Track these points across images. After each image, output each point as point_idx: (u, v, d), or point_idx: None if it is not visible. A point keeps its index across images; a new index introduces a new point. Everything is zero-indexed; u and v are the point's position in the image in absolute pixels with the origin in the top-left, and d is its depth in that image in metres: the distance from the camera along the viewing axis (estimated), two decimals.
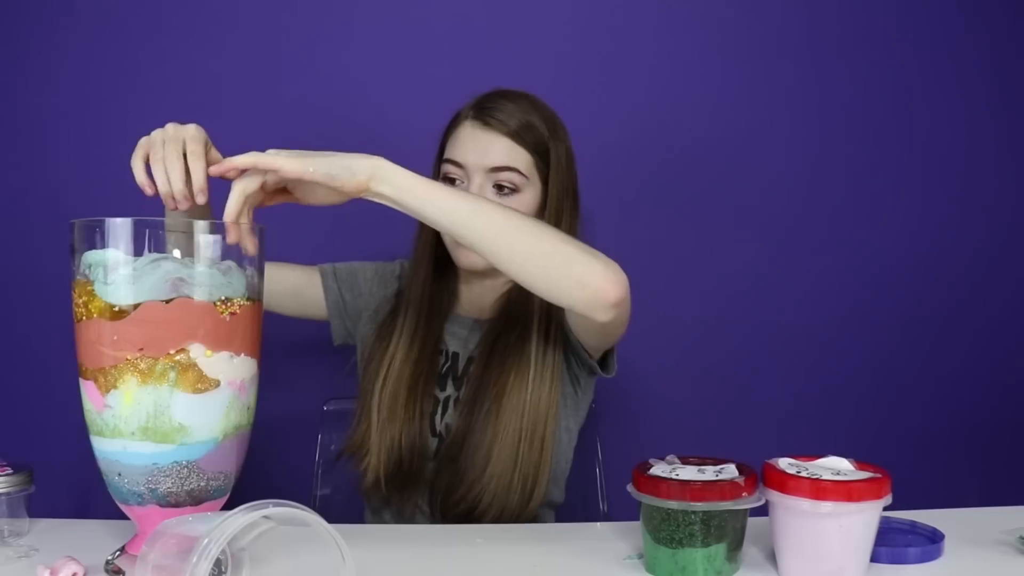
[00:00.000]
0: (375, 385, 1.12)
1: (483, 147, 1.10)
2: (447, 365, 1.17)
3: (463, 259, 1.13)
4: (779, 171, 1.60)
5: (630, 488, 0.83)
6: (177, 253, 0.76)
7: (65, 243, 0.78)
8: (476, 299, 1.21)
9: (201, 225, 0.77)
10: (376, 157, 0.85)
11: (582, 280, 0.89)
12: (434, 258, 1.18)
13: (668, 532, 0.80)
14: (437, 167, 1.18)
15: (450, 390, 1.15)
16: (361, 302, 1.25)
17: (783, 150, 1.60)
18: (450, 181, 1.13)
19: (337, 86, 1.51)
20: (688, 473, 0.82)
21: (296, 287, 1.23)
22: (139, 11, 1.47)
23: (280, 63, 1.49)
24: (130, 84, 1.47)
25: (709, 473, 0.82)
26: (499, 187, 1.11)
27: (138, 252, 0.75)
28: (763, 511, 0.82)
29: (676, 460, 0.88)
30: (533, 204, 1.14)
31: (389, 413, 1.10)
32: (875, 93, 1.62)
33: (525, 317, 1.12)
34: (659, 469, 0.84)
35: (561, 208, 1.15)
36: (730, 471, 0.83)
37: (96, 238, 0.75)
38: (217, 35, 1.48)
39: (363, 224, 1.52)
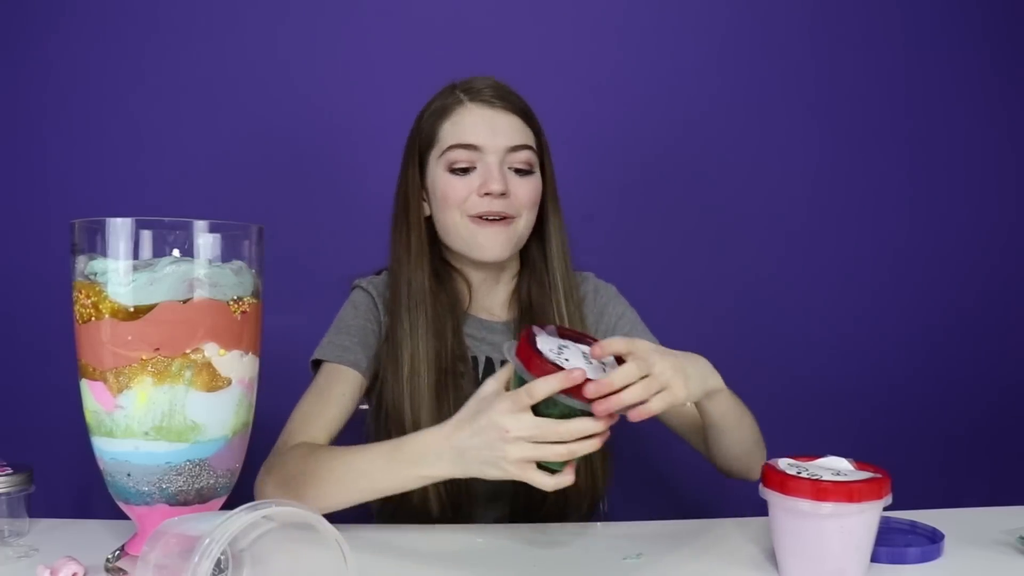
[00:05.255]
0: (403, 404, 1.02)
1: (498, 126, 1.04)
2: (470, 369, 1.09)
3: (485, 252, 1.05)
4: (779, 172, 1.60)
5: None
6: (177, 253, 0.76)
7: (65, 243, 0.78)
8: (483, 299, 1.15)
9: (209, 225, 0.77)
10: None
11: None
12: (432, 260, 1.10)
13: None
14: (412, 168, 1.09)
15: None
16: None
17: (784, 151, 1.60)
18: (461, 170, 1.05)
19: (336, 84, 1.50)
20: (576, 357, 0.79)
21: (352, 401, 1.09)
22: (139, 11, 1.47)
23: (280, 63, 1.49)
24: (130, 84, 1.47)
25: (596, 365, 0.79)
26: (517, 170, 1.05)
27: (141, 252, 0.75)
28: (763, 511, 0.82)
29: (556, 333, 0.84)
30: (540, 190, 1.09)
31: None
32: (875, 95, 1.62)
33: (549, 311, 1.08)
34: (544, 344, 0.80)
35: (557, 200, 1.11)
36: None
37: (97, 238, 0.75)
38: (216, 34, 1.48)
39: (364, 224, 1.53)
